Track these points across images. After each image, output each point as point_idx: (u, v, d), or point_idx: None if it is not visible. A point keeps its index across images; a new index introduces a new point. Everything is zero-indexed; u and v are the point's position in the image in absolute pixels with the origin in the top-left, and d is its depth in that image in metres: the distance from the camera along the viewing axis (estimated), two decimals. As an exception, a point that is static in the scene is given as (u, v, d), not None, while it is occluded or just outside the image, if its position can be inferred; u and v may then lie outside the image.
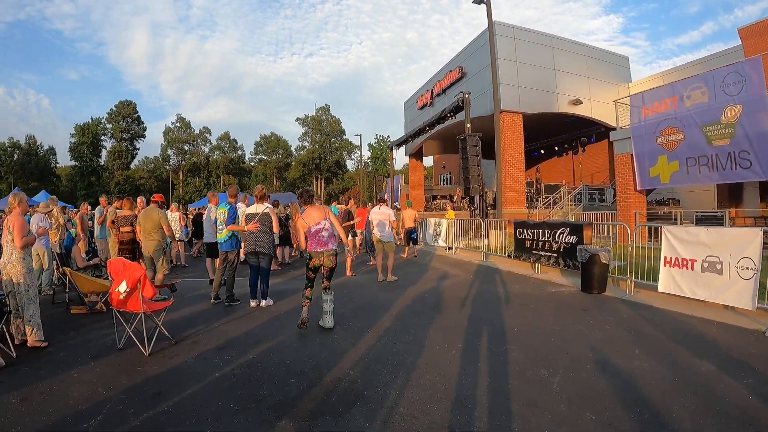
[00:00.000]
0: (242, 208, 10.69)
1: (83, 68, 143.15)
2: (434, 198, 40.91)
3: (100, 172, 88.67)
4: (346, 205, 18.45)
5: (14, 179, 78.96)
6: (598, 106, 30.45)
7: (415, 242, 18.79)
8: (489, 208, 25.41)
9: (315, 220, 7.72)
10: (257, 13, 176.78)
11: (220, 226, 10.01)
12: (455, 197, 36.92)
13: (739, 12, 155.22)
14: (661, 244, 9.50)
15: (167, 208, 15.95)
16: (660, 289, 9.33)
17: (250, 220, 9.49)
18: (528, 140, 28.30)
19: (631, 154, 20.03)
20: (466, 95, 21.37)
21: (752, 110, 15.41)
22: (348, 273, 13.53)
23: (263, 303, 9.54)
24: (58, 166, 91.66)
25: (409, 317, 8.34)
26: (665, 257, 9.35)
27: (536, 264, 13.30)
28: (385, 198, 13.02)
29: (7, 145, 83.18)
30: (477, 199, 21.36)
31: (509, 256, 14.80)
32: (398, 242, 21.09)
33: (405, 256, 18.65)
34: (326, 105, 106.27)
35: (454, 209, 33.00)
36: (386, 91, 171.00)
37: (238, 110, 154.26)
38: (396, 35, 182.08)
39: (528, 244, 13.67)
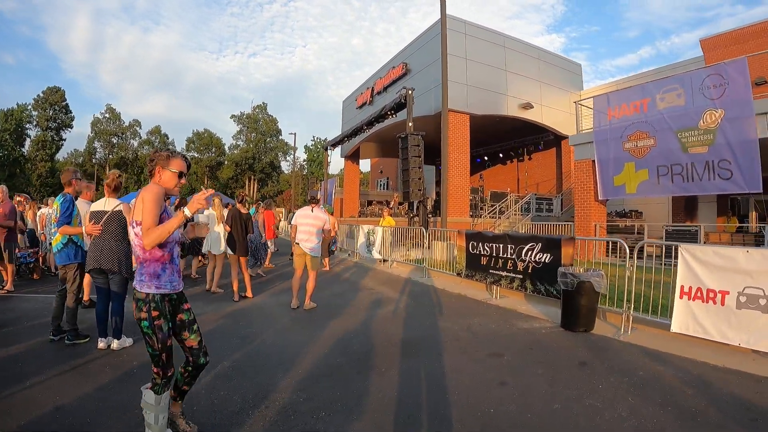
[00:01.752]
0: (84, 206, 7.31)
1: (20, 53, 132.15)
2: (369, 203, 38.48)
3: (22, 162, 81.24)
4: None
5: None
6: (549, 112, 29.14)
7: (331, 253, 16.75)
8: (429, 216, 23.09)
9: None
10: (203, 8, 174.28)
11: (53, 228, 6.84)
12: (392, 203, 34.55)
13: (676, 39, 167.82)
14: (672, 269, 7.09)
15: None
16: (675, 328, 6.85)
17: (93, 220, 6.51)
18: (472, 146, 26.37)
19: (593, 161, 17.86)
20: (410, 91, 19.26)
21: (735, 116, 13.81)
22: (248, 293, 10.65)
23: (114, 344, 6.36)
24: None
25: (322, 383, 5.21)
26: (682, 286, 6.85)
27: (494, 286, 10.57)
28: (318, 198, 9.89)
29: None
30: (417, 205, 19.21)
31: (459, 274, 12.05)
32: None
33: (327, 268, 16.48)
34: (263, 103, 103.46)
35: (391, 216, 30.84)
36: (329, 95, 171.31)
37: (177, 107, 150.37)
38: (342, 40, 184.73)
39: (484, 261, 10.91)
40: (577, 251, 10.83)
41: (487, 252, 10.80)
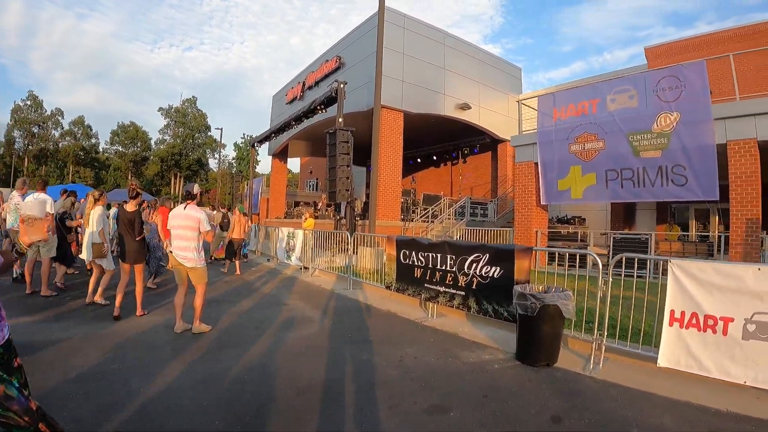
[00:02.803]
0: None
1: None
2: (297, 204, 36.67)
3: None
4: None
5: None
6: (487, 114, 28.01)
7: (243, 257, 15.24)
8: (358, 219, 21.47)
9: None
10: None
11: None
12: (320, 204, 33.19)
13: (608, 55, 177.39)
14: (646, 285, 6.03)
15: None
16: (663, 362, 5.52)
17: None
18: (405, 147, 24.98)
19: (536, 163, 16.59)
20: (341, 85, 17.42)
21: (692, 120, 13.11)
22: (138, 312, 8.57)
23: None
24: None
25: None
26: (672, 311, 5.49)
27: (431, 303, 8.95)
28: (195, 192, 7.70)
29: None
30: (344, 207, 17.85)
31: (388, 287, 10.40)
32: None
33: (225, 270, 15.06)
34: (193, 97, 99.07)
35: (317, 218, 29.14)
36: (265, 94, 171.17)
37: (108, 99, 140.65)
38: (281, 39, 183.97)
39: (418, 273, 9.26)
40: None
41: (421, 263, 9.15)
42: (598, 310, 6.08)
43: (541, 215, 17.05)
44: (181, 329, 7.46)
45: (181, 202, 7.83)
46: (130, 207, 8.62)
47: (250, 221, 21.51)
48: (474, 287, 7.83)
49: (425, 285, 9.00)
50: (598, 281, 6.18)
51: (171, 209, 13.54)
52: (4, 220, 12.13)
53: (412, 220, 24.16)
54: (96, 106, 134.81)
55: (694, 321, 5.28)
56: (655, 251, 14.46)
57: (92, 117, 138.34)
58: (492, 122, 28.15)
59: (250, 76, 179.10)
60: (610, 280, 6.00)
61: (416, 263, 9.31)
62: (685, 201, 14.96)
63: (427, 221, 24.44)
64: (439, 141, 33.35)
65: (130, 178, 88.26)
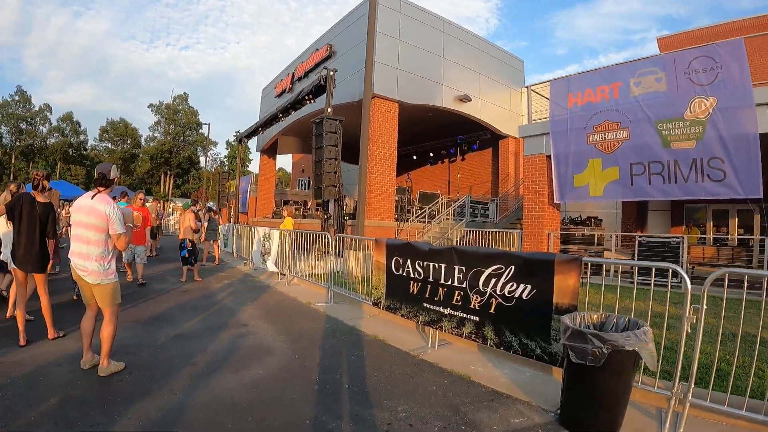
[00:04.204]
0: None
1: None
2: (286, 203, 34.72)
3: None
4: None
5: None
6: (488, 108, 26.05)
7: (187, 261, 12.85)
8: (347, 218, 19.55)
9: None
10: None
11: None
12: (309, 203, 31.36)
13: (603, 58, 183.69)
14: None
15: None
16: None
17: None
18: (400, 144, 23.17)
19: (548, 156, 14.47)
20: (331, 72, 15.73)
21: (730, 105, 11.13)
22: (50, 334, 6.50)
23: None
24: None
25: None
26: None
27: (430, 329, 6.85)
28: (111, 177, 5.63)
29: None
30: (332, 205, 15.85)
31: (376, 304, 8.21)
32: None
33: (183, 279, 12.81)
34: (185, 93, 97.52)
35: (305, 218, 27.29)
36: (257, 93, 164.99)
37: (101, 97, 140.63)
38: (275, 39, 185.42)
39: (415, 288, 7.12)
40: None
41: (419, 275, 7.02)
42: (681, 350, 4.07)
43: (554, 215, 14.98)
44: (89, 364, 5.37)
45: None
46: (42, 198, 6.57)
47: (221, 219, 19.52)
48: (492, 311, 5.74)
49: (424, 305, 6.87)
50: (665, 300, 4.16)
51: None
52: None
53: (408, 221, 22.22)
54: (87, 103, 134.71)
55: None
56: (688, 257, 12.52)
57: (81, 113, 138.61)
58: (493, 116, 26.24)
59: (244, 76, 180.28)
60: (704, 306, 3.98)
61: (412, 275, 7.18)
62: (724, 199, 13.01)
63: (424, 221, 22.47)
64: (436, 137, 31.52)
65: (119, 176, 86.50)
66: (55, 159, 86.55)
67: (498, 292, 5.64)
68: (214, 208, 19.30)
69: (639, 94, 12.61)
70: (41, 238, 6.49)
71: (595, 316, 4.50)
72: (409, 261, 7.28)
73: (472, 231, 18.18)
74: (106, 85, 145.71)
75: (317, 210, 26.58)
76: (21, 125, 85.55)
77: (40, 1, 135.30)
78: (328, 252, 11.14)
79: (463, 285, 6.16)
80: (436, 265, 6.67)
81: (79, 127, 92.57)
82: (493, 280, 5.70)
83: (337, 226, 15.16)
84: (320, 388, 5.12)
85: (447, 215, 21.81)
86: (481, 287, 5.88)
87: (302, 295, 10.99)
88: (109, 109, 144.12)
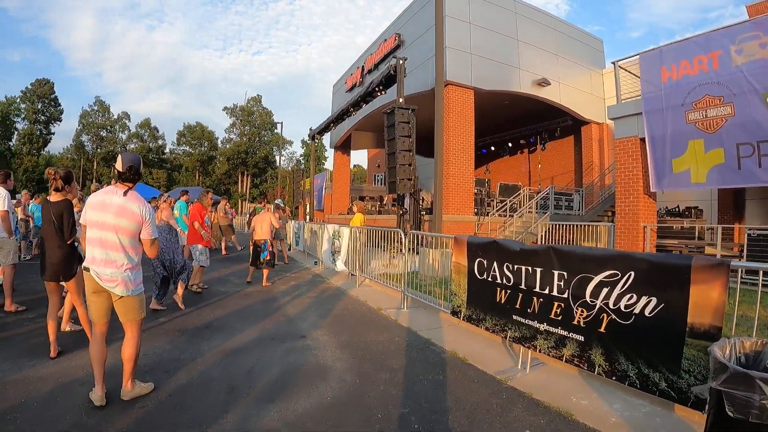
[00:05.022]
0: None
1: (26, 50, 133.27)
2: (362, 199, 34.13)
3: (8, 156, 78.31)
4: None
5: None
6: (568, 92, 24.24)
7: (269, 264, 11.84)
8: (424, 213, 18.57)
9: None
10: (208, 6, 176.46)
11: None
12: (385, 199, 30.63)
13: (679, 38, 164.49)
14: None
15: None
16: None
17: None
18: (476, 134, 21.93)
19: (641, 139, 12.96)
20: (401, 61, 14.90)
21: None
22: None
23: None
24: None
25: None
26: None
27: (521, 347, 5.67)
28: (131, 169, 4.66)
29: None
30: (408, 199, 14.74)
31: (455, 312, 7.15)
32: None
33: (249, 279, 12.05)
34: (258, 95, 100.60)
35: (380, 213, 26.46)
36: (331, 91, 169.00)
37: (179, 104, 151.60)
38: (346, 38, 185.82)
39: (502, 296, 5.97)
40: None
41: (508, 280, 5.87)
42: None
43: (650, 206, 13.41)
44: (101, 400, 4.40)
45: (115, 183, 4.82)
46: (57, 197, 5.86)
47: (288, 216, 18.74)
48: (602, 330, 4.57)
49: (514, 317, 5.74)
50: None
51: (208, 206, 10.76)
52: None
53: (488, 214, 20.96)
54: (166, 110, 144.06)
55: None
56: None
57: (161, 120, 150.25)
58: (574, 101, 24.44)
59: (317, 75, 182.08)
60: None
61: (499, 281, 6.04)
62: None
63: (505, 215, 21.14)
64: (514, 126, 30.02)
65: (197, 177, 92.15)
66: None
67: (611, 306, 4.46)
68: (282, 206, 18.61)
69: (742, 63, 10.97)
70: (62, 241, 5.84)
71: (748, 343, 3.27)
72: (495, 263, 6.14)
73: (558, 225, 16.84)
74: (184, 93, 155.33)
75: (393, 205, 25.68)
76: (101, 133, 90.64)
77: (115, 18, 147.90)
78: (401, 250, 10.12)
79: (564, 295, 4.98)
80: (530, 269, 5.49)
81: (157, 132, 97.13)
82: (605, 290, 4.52)
83: (413, 221, 14.19)
84: (382, 429, 4.10)
85: (530, 208, 20.48)
86: (588, 299, 4.70)
87: (373, 299, 10.04)
88: (188, 115, 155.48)
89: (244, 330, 7.33)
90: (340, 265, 12.97)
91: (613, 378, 4.49)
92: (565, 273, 4.97)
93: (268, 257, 11.53)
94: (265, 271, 11.78)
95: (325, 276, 13.53)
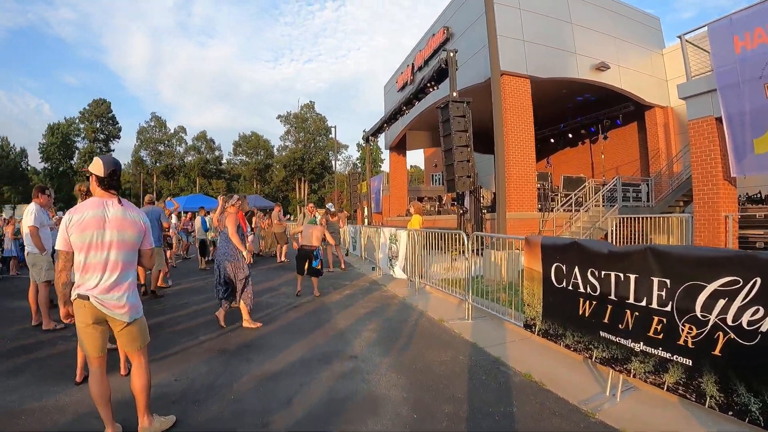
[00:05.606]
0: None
1: (83, 74, 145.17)
2: (421, 200, 33.36)
3: (70, 174, 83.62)
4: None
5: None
6: (629, 75, 22.90)
7: (317, 273, 11.11)
8: (485, 212, 17.79)
9: None
10: (256, 20, 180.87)
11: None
12: (444, 199, 29.99)
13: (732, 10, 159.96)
14: None
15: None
16: None
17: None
18: (534, 126, 20.88)
19: (717, 118, 11.77)
20: (451, 53, 14.27)
21: None
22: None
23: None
24: (29, 167, 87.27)
25: None
26: None
27: (610, 369, 4.77)
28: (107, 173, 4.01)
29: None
30: (468, 198, 14.20)
31: (528, 326, 6.20)
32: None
33: (299, 290, 11.16)
34: (311, 102, 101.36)
35: (440, 213, 25.71)
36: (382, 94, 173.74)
37: (235, 116, 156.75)
38: (392, 41, 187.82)
39: (586, 308, 5.02)
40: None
41: (594, 289, 4.95)
42: None
43: (730, 193, 12.12)
44: None
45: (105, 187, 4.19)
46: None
47: (341, 221, 17.98)
48: (717, 352, 3.63)
49: (601, 333, 4.81)
50: None
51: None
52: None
53: (552, 210, 19.86)
54: (222, 122, 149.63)
55: None
56: None
57: (217, 132, 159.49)
58: (635, 84, 23.06)
59: (369, 77, 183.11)
60: None
61: (582, 289, 5.11)
62: None
63: (570, 210, 19.95)
64: (573, 115, 28.74)
65: (255, 185, 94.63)
66: (194, 175, 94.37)
67: (729, 322, 3.52)
68: (333, 210, 18.08)
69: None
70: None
71: None
72: (577, 269, 5.20)
73: (629, 218, 15.63)
74: (239, 104, 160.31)
75: (452, 205, 24.88)
76: (159, 148, 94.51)
77: (166, 37, 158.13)
78: (464, 252, 9.29)
79: (667, 308, 4.02)
80: (621, 275, 4.54)
81: (214, 143, 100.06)
82: (721, 302, 3.58)
83: (474, 221, 13.43)
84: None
85: (596, 201, 19.29)
86: (698, 312, 3.75)
87: (433, 308, 9.27)
88: (243, 125, 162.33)
89: (290, 348, 6.69)
90: (398, 271, 12.17)
91: (730, 413, 3.58)
92: (667, 280, 4.02)
93: (320, 265, 10.87)
94: (315, 280, 11.11)
95: (382, 283, 12.86)
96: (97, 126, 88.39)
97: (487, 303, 8.38)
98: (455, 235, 9.72)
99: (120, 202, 3.96)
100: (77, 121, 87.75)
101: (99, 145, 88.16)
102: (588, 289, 5.02)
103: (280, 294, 11.19)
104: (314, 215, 14.28)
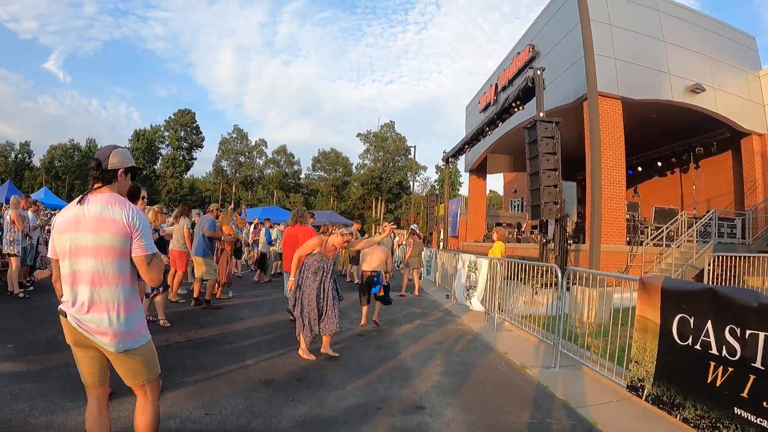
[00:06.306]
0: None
1: (173, 86, 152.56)
2: (498, 225, 32.10)
3: (153, 179, 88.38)
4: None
5: (72, 179, 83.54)
6: (724, 99, 21.14)
7: (385, 301, 10.13)
8: (570, 243, 16.60)
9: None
10: (339, 41, 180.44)
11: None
12: (524, 226, 28.84)
13: None
14: None
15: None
16: None
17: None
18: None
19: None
20: (539, 71, 13.50)
21: None
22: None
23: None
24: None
25: None
26: None
27: None
28: (110, 165, 3.24)
29: (68, 146, 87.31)
30: (552, 226, 13.38)
31: (633, 387, 5.16)
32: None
33: (363, 323, 10.02)
34: (391, 121, 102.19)
35: (518, 241, 24.56)
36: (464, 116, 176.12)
37: (317, 133, 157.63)
38: (475, 63, 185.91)
39: (718, 376, 3.95)
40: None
41: (731, 353, 3.91)
42: None
43: None
44: None
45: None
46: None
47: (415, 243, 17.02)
48: None
49: (735, 410, 3.79)
50: None
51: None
52: None
53: (641, 243, 18.45)
54: (304, 139, 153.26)
55: None
56: None
57: (298, 147, 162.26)
58: (731, 108, 21.33)
59: (450, 99, 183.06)
60: None
61: (715, 351, 4.07)
62: None
63: (660, 244, 18.44)
64: (662, 141, 26.98)
65: (332, 202, 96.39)
66: (273, 187, 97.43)
67: None
68: (417, 231, 17.35)
69: None
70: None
71: None
72: (710, 324, 4.14)
73: (726, 257, 14.21)
74: (321, 122, 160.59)
75: (532, 233, 23.76)
76: (239, 159, 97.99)
77: (252, 55, 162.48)
78: (549, 284, 8.25)
79: None
80: None
81: (293, 158, 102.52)
82: None
83: (558, 251, 12.42)
84: None
85: (690, 236, 17.80)
86: None
87: (514, 351, 8.17)
88: (322, 142, 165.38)
89: (345, 387, 5.86)
90: (475, 303, 11.15)
91: None
92: None
93: (381, 292, 9.89)
94: (377, 305, 10.18)
95: (456, 314, 11.88)
96: (181, 135, 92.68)
97: (574, 348, 7.29)
98: (545, 268, 8.70)
99: (90, 198, 3.11)
100: (162, 128, 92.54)
101: (182, 152, 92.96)
102: (724, 351, 3.98)
103: (347, 319, 10.28)
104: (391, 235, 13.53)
